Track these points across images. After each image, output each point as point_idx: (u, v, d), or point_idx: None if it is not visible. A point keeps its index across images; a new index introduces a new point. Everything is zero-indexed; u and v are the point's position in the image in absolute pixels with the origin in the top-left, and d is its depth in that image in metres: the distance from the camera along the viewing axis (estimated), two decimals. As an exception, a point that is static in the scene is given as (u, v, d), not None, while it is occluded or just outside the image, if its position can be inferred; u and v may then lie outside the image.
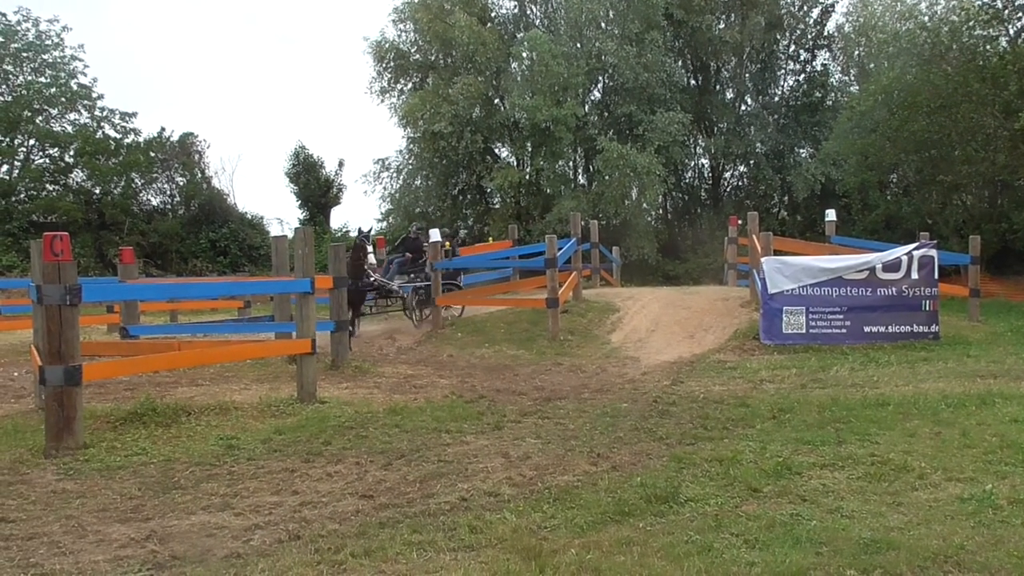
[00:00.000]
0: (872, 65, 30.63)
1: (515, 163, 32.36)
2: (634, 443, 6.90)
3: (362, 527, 4.92)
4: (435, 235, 16.15)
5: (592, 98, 33.12)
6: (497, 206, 32.63)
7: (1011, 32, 23.62)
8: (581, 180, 33.34)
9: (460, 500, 5.40)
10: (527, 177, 31.35)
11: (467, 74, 30.82)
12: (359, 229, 15.17)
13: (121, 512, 5.29)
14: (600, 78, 32.43)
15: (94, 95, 34.68)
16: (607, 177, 28.94)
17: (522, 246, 19.87)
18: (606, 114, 32.23)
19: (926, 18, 24.11)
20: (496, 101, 31.77)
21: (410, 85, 33.73)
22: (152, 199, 36.53)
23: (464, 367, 11.86)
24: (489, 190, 32.36)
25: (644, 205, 29.96)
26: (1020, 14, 23.36)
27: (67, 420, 6.72)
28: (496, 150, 33.01)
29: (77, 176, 34.88)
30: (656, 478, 5.70)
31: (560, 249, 14.92)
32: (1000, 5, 22.71)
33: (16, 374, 11.41)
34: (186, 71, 64.14)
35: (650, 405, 8.61)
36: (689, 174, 35.68)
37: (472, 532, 4.76)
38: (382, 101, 34.25)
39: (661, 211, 34.36)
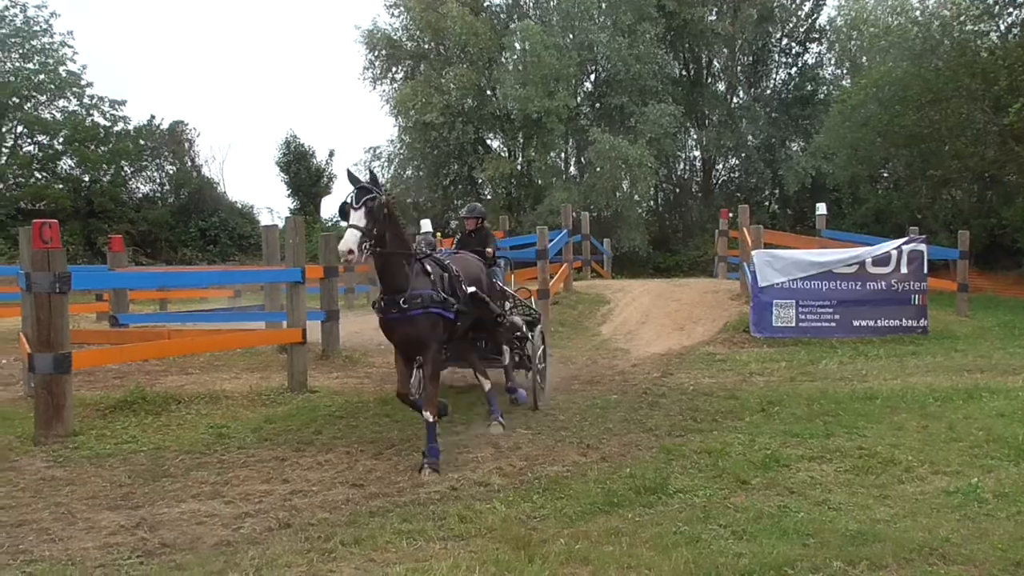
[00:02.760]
0: (864, 59, 30.65)
1: (506, 154, 32.33)
2: (623, 434, 6.93)
3: (352, 516, 4.93)
4: (426, 225, 15.99)
5: (584, 89, 33.08)
6: (488, 197, 32.58)
7: (1001, 28, 23.69)
8: (572, 171, 33.33)
9: (450, 490, 5.42)
10: (518, 168, 31.34)
11: (459, 64, 30.73)
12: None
13: (111, 500, 5.29)
14: (592, 69, 32.41)
15: (83, 82, 34.41)
16: (599, 169, 28.92)
17: (513, 237, 19.86)
18: (598, 105, 32.20)
19: (918, 12, 24.06)
20: (488, 92, 31.69)
21: (402, 74, 33.59)
22: (142, 187, 36.38)
23: (454, 358, 11.84)
24: (480, 181, 32.31)
25: (635, 197, 29.95)
26: (1011, 9, 23.44)
27: (56, 408, 6.71)
28: (488, 141, 32.95)
29: (66, 164, 34.68)
30: (645, 469, 5.73)
31: (551, 241, 14.92)
32: (991, 1, 22.78)
33: (4, 361, 11.36)
34: (176, 59, 63.69)
35: (640, 396, 8.65)
36: (680, 166, 35.70)
37: (462, 522, 4.78)
38: (373, 89, 34.26)
39: (652, 203, 34.35)
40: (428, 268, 6.21)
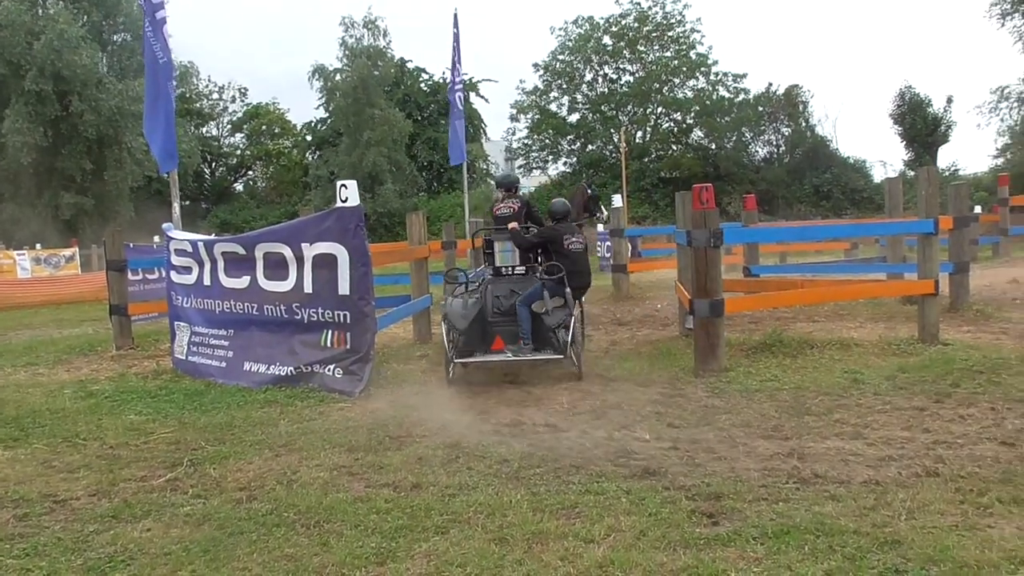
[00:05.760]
0: None
1: None
2: None
3: (1006, 474, 4.49)
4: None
5: None
6: None
7: None
8: None
9: None
10: None
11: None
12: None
13: (763, 430, 5.62)
14: None
15: (710, 62, 36.83)
16: None
17: None
18: None
19: None
20: None
21: (1038, 3, 28.93)
22: (759, 150, 37.78)
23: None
24: None
25: None
26: None
27: (711, 346, 7.36)
28: None
29: (696, 135, 37.63)
30: None
31: None
32: None
33: (659, 306, 12.77)
34: (791, 27, 64.10)
35: None
36: None
37: None
38: (1002, 25, 30.37)
39: None
40: None
